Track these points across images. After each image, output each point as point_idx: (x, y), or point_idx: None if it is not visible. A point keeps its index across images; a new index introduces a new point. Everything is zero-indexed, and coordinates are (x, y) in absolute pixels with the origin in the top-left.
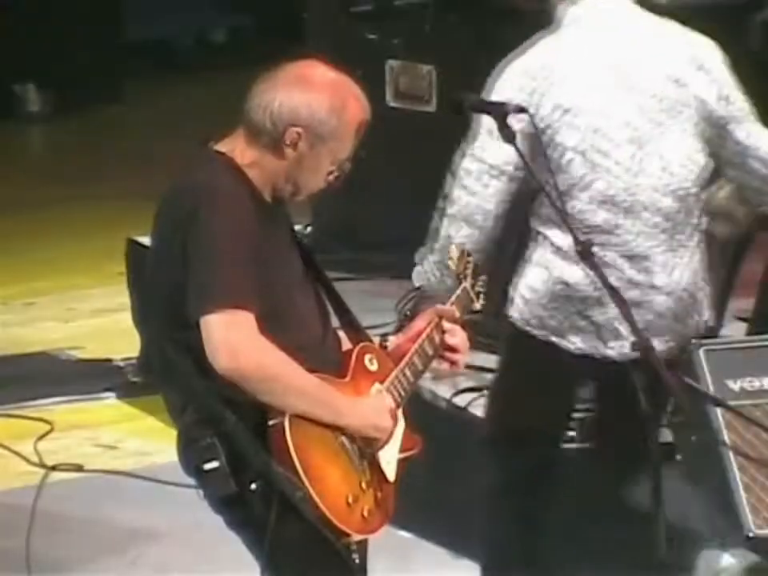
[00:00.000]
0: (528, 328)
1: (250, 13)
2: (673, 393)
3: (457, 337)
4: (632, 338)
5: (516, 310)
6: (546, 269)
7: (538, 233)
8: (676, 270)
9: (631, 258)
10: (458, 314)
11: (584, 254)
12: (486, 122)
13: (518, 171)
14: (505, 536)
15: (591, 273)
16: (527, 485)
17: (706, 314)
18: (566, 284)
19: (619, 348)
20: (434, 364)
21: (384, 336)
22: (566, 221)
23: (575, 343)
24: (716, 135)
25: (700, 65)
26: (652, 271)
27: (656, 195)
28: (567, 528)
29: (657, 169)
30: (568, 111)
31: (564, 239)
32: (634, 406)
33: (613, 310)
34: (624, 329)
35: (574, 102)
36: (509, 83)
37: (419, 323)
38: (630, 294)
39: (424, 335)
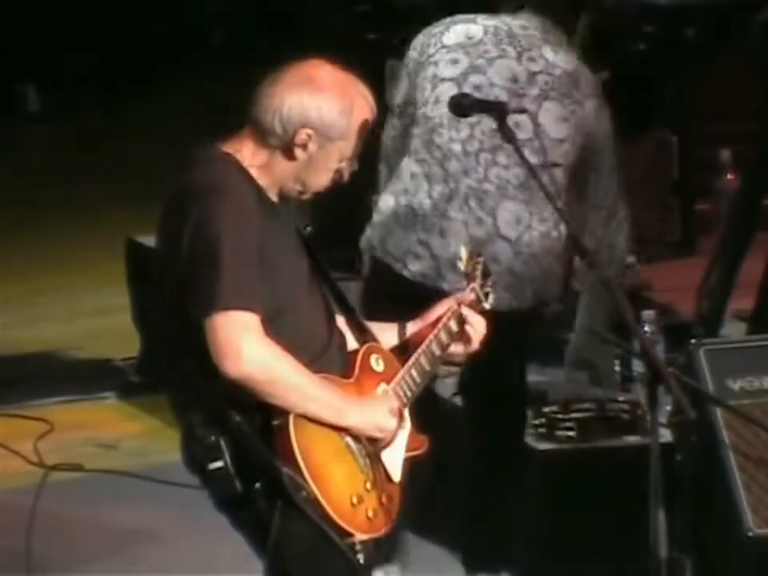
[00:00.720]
0: (373, 250)
1: (250, 13)
2: (672, 392)
3: (475, 319)
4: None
5: (365, 237)
6: (394, 193)
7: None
8: (529, 231)
9: (481, 197)
10: None
11: (582, 254)
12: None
13: (408, 108)
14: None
15: (437, 198)
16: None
17: (554, 297)
18: (411, 207)
19: (454, 282)
20: (452, 347)
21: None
22: (554, 204)
23: (411, 270)
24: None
25: (599, 105)
26: (498, 217)
27: (521, 147)
28: (566, 526)
29: (529, 125)
30: (449, 45)
31: (416, 166)
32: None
33: (454, 244)
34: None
35: (458, 39)
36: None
37: (438, 309)
38: (476, 232)
39: (440, 324)
